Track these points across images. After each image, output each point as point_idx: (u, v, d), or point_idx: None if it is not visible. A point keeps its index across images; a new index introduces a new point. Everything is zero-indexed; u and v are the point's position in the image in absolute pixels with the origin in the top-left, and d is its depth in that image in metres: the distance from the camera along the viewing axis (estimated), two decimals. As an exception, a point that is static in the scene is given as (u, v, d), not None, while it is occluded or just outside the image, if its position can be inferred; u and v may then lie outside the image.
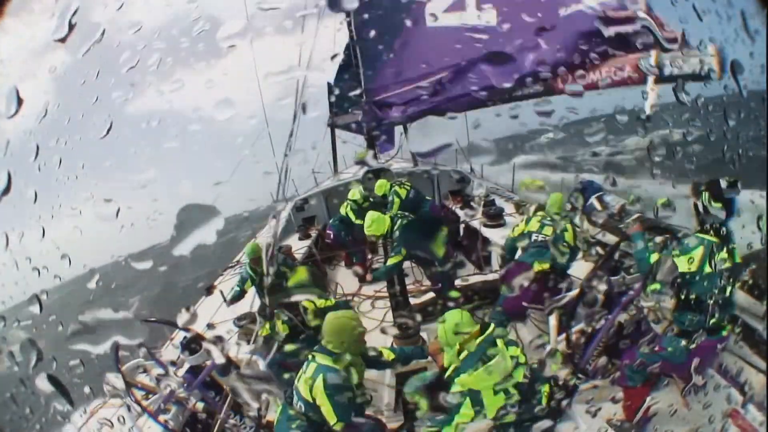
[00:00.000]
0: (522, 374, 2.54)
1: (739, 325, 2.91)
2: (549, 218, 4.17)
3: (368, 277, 5.49)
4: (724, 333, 2.78)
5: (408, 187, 5.71)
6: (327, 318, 2.81)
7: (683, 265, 2.68)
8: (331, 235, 6.14)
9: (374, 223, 4.45)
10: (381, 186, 5.72)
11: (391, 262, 4.36)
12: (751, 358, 2.88)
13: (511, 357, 2.54)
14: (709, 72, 2.58)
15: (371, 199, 5.86)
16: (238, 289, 4.94)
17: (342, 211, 6.09)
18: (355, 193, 6.05)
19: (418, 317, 4.10)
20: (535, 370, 2.70)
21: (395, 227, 4.47)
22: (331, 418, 2.54)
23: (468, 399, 2.48)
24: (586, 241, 4.32)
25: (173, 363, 3.40)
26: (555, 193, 4.34)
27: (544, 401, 2.63)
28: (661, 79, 2.84)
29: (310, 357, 2.76)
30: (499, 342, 2.56)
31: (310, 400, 2.60)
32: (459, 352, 2.59)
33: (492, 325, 2.65)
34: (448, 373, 2.64)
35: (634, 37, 3.05)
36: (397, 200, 5.42)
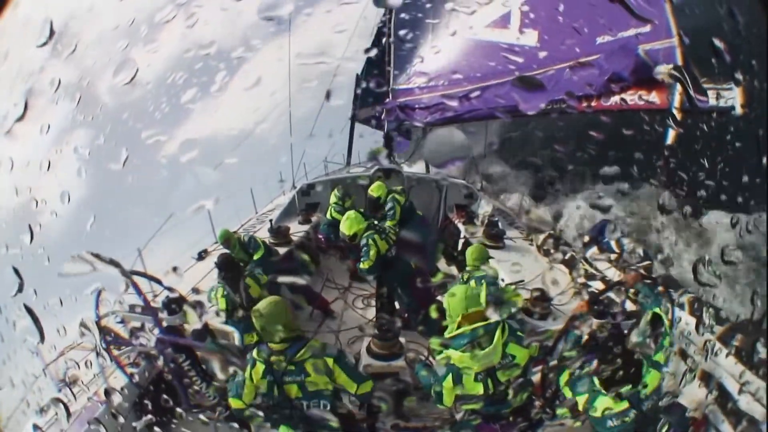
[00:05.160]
0: (507, 376, 2.53)
1: (714, 388, 2.89)
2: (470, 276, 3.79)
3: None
4: None
5: (405, 197, 5.73)
6: (268, 313, 2.56)
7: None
8: (323, 240, 6.17)
9: (348, 221, 4.45)
10: (378, 188, 5.70)
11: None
12: (722, 426, 2.85)
13: (510, 355, 2.52)
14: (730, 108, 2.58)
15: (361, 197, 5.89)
16: None
17: (328, 215, 6.11)
18: (333, 196, 6.09)
19: (399, 322, 4.08)
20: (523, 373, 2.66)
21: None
22: (351, 386, 2.57)
23: (450, 374, 2.53)
24: (587, 275, 4.26)
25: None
26: (473, 247, 3.94)
27: (514, 402, 2.62)
28: (684, 109, 2.84)
29: (301, 363, 2.55)
30: (496, 337, 2.49)
31: (333, 381, 2.56)
32: (459, 325, 2.56)
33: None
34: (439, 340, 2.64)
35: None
36: (397, 207, 5.43)
